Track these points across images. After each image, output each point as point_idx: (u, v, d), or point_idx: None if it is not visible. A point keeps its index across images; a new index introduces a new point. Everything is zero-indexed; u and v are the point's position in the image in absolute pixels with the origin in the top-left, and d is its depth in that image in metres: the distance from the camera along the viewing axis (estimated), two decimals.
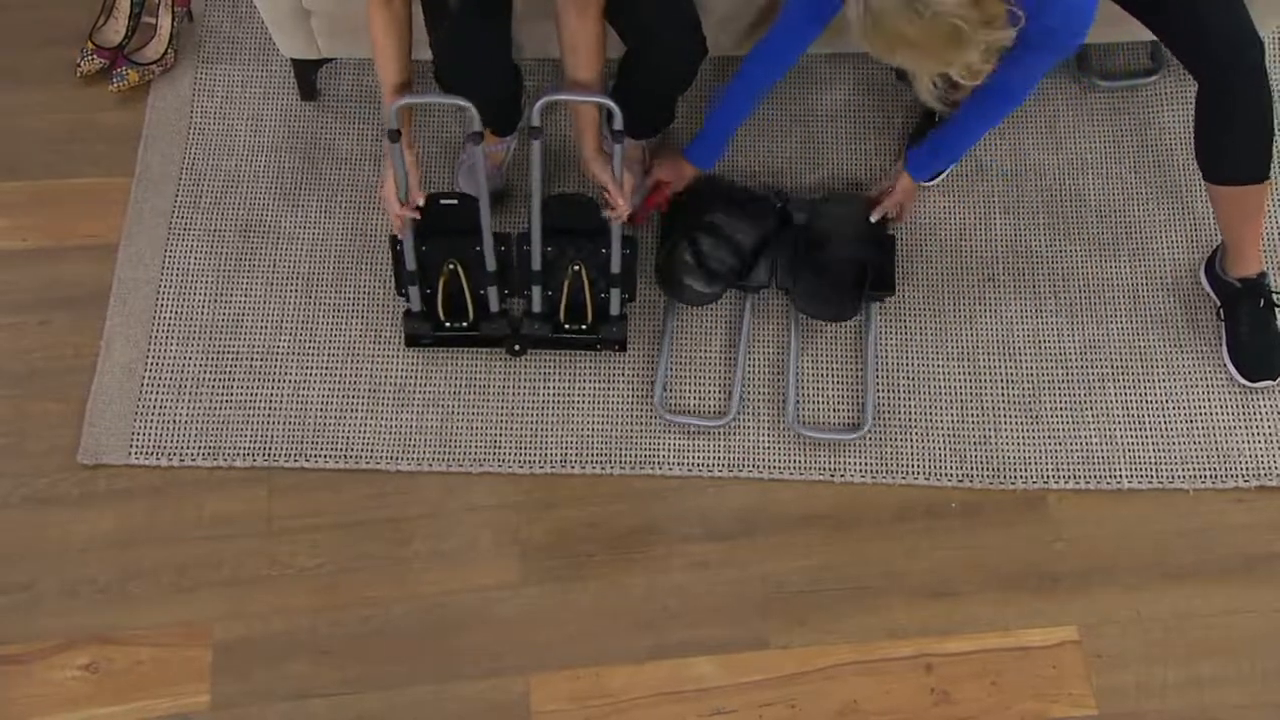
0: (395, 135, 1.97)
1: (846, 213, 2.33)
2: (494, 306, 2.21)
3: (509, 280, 2.21)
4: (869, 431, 2.22)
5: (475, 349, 2.27)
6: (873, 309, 2.31)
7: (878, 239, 2.32)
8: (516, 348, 2.24)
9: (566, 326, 2.22)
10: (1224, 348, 2.28)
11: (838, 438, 2.21)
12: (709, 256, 2.27)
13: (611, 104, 1.97)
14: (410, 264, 2.15)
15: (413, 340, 2.25)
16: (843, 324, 2.31)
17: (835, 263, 2.27)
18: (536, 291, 2.20)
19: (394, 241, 2.15)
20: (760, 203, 2.32)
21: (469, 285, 2.18)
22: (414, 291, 2.19)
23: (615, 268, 2.15)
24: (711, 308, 2.32)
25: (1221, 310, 2.29)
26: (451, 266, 2.17)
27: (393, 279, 2.30)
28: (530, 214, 2.12)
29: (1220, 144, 2.10)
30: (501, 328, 2.23)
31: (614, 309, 2.21)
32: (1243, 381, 2.25)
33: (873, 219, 2.29)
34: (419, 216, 2.08)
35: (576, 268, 2.17)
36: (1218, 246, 2.30)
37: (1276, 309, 2.25)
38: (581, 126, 2.10)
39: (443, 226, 2.13)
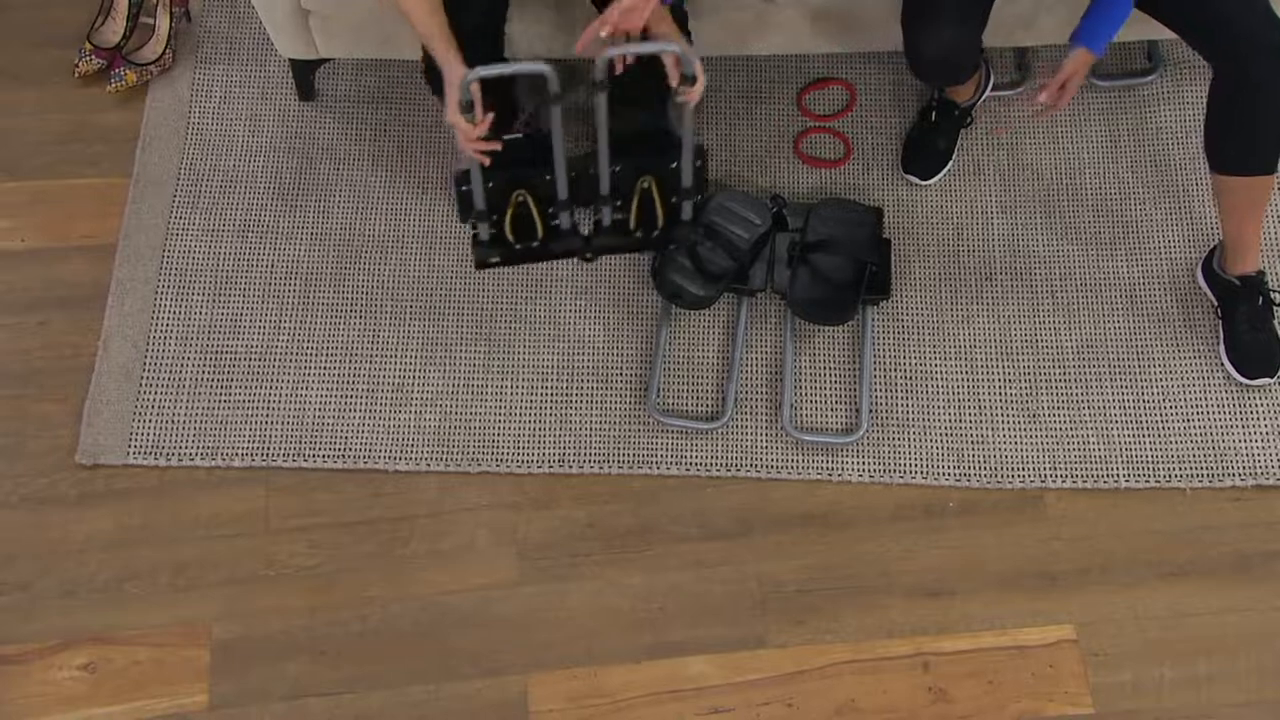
0: (469, 107, 1.90)
1: (843, 216, 2.33)
2: (565, 226, 2.19)
3: (579, 198, 2.17)
4: (864, 435, 2.22)
5: (542, 261, 2.24)
6: (869, 312, 2.31)
7: (874, 242, 2.32)
8: (588, 256, 2.22)
9: (638, 234, 2.20)
10: (1221, 346, 2.28)
11: (833, 441, 2.21)
12: (705, 259, 2.27)
13: (679, 49, 1.89)
14: (480, 203, 2.11)
15: (483, 264, 2.21)
16: (839, 327, 2.31)
17: (831, 266, 2.28)
18: (606, 211, 2.17)
19: (459, 180, 2.10)
20: (756, 206, 2.32)
21: (538, 210, 2.15)
22: (483, 226, 2.15)
23: (687, 181, 2.11)
24: (707, 310, 2.32)
25: (1219, 309, 2.29)
26: (520, 198, 2.13)
27: (376, 272, 2.30)
28: (599, 152, 2.05)
29: (1236, 134, 2.06)
30: (573, 242, 2.21)
31: (685, 215, 2.18)
32: (1241, 379, 2.25)
33: (1042, 100, 2.08)
34: (498, 147, 1.99)
35: (646, 185, 2.14)
36: (1215, 247, 2.30)
37: (1275, 307, 2.25)
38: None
39: (506, 160, 2.07)
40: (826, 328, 2.31)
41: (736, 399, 2.25)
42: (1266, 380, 2.24)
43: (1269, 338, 2.24)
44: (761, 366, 2.29)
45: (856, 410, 2.24)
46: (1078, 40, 2.05)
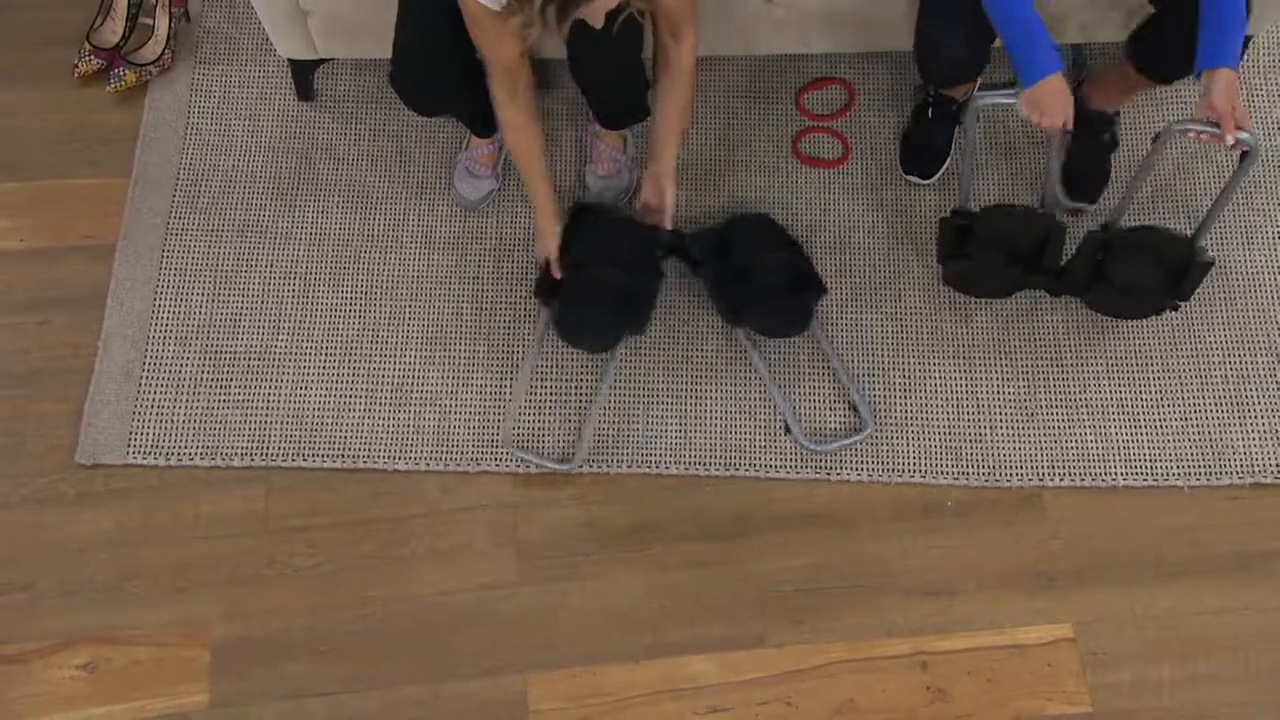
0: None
1: (751, 228, 2.27)
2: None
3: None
4: (871, 433, 2.22)
5: None
6: (816, 313, 2.27)
7: (787, 244, 2.26)
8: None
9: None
10: None
11: (844, 444, 2.21)
12: (598, 307, 2.18)
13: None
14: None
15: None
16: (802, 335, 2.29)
17: (760, 278, 2.21)
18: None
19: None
20: (644, 244, 2.23)
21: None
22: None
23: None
24: (701, 317, 2.32)
25: None
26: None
27: (376, 279, 2.31)
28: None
29: None
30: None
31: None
32: None
33: (1229, 141, 1.88)
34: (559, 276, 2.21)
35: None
36: None
37: None
38: (664, 136, 2.15)
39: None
40: (788, 338, 2.29)
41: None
42: None
43: None
44: (754, 385, 2.29)
45: (854, 409, 2.25)
46: (1211, 63, 1.87)
